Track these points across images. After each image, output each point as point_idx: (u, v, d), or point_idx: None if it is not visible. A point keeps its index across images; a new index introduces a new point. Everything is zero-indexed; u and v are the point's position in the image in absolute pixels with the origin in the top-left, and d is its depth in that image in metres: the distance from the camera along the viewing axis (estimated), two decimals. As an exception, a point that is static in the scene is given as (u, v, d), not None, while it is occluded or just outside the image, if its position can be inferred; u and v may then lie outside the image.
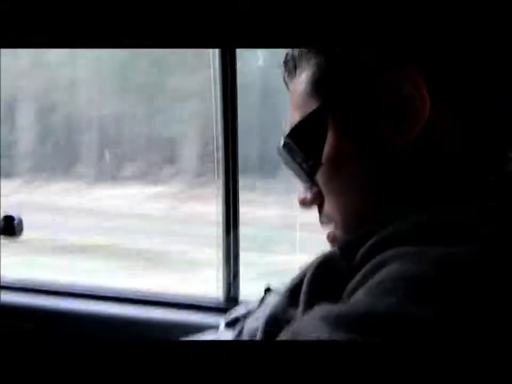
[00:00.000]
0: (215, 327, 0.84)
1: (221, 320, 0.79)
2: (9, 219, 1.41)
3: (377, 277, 0.39)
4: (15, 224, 1.40)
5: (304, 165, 0.53)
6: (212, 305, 1.36)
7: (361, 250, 0.45)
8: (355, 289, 0.41)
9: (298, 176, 0.55)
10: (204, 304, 1.36)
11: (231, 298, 1.37)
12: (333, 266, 0.49)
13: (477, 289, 0.35)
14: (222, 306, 1.35)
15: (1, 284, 1.51)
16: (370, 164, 0.48)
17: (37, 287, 1.50)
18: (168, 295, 1.41)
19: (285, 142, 0.54)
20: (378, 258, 0.41)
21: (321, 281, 0.49)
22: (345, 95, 0.49)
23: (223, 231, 1.33)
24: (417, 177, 0.47)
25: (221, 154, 1.28)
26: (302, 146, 0.53)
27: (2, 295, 1.48)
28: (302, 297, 0.50)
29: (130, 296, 1.42)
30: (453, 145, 0.47)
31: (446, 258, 0.37)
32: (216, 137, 1.30)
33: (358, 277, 0.42)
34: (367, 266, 0.41)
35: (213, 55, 1.25)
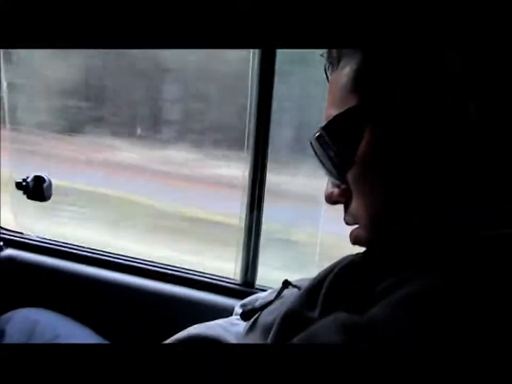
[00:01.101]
0: (229, 309, 0.85)
1: (236, 307, 0.80)
2: (38, 180, 1.39)
3: (399, 294, 0.38)
4: (44, 187, 1.39)
5: (335, 160, 0.52)
6: (229, 287, 1.37)
7: (386, 260, 0.45)
8: (376, 300, 0.40)
9: (328, 171, 0.54)
10: (220, 285, 1.36)
11: (248, 282, 1.37)
12: (355, 272, 0.48)
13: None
14: (238, 289, 1.36)
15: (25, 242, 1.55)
16: (406, 167, 0.47)
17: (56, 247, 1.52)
18: (185, 271, 1.41)
19: (319, 134, 0.53)
20: (402, 274, 0.40)
21: (341, 286, 0.49)
22: (388, 96, 0.47)
23: (246, 215, 1.33)
24: (456, 186, 0.46)
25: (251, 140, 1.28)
26: (336, 141, 0.52)
27: (27, 254, 1.51)
28: (320, 299, 0.50)
29: (148, 267, 1.44)
30: (496, 152, 0.45)
31: (477, 279, 0.36)
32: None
33: (380, 288, 0.42)
34: (391, 279, 0.41)
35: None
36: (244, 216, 1.34)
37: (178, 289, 1.36)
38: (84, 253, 1.49)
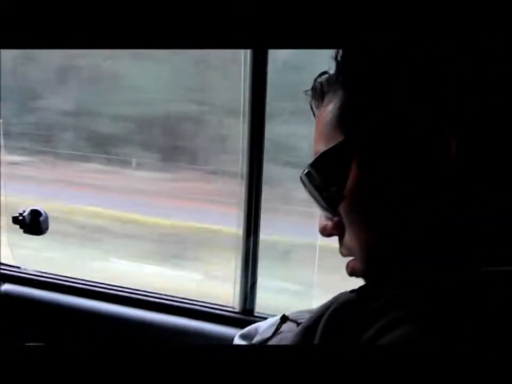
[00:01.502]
0: (228, 339, 0.84)
1: (236, 337, 0.79)
2: (35, 214, 1.39)
3: (390, 338, 0.39)
4: (41, 220, 1.39)
5: (326, 196, 0.53)
6: (227, 315, 1.36)
7: (379, 301, 0.45)
8: (368, 343, 0.42)
9: (320, 205, 0.55)
10: (219, 313, 1.35)
11: (247, 310, 1.36)
12: (349, 312, 0.49)
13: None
14: (237, 317, 1.35)
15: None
16: (392, 202, 0.48)
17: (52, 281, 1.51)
18: (183, 300, 1.41)
19: (308, 171, 0.54)
20: (393, 314, 0.41)
21: (337, 325, 0.49)
22: (372, 132, 0.48)
23: (242, 245, 1.33)
24: (442, 222, 0.47)
25: (245, 157, 1.28)
26: (325, 178, 0.53)
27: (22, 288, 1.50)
28: (317, 338, 0.50)
29: (144, 298, 1.43)
30: (479, 188, 0.46)
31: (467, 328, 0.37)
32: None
33: (372, 330, 0.42)
34: (383, 321, 0.42)
35: (244, 56, 1.23)
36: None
37: (176, 320, 1.34)
38: (83, 286, 1.48)
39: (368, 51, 0.48)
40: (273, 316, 0.74)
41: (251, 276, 1.34)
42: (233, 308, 1.37)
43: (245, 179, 1.28)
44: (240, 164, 1.30)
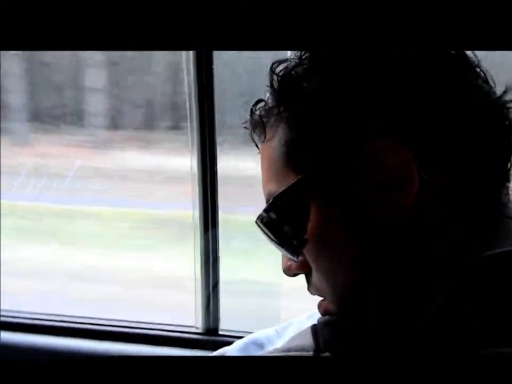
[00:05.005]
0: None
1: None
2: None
3: None
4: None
5: (287, 242, 0.49)
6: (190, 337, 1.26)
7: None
8: None
9: (282, 250, 0.51)
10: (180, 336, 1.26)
11: (211, 330, 1.27)
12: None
13: None
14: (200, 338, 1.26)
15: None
16: (359, 239, 0.45)
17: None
18: (141, 325, 1.30)
19: (264, 217, 0.50)
20: None
21: None
22: (326, 167, 0.45)
23: (201, 259, 1.24)
24: (408, 253, 0.45)
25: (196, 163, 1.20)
26: (282, 223, 0.49)
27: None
28: None
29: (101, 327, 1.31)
30: (445, 216, 0.44)
31: None
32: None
33: None
34: None
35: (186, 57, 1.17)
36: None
37: (137, 348, 1.24)
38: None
39: (310, 74, 0.45)
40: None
41: (212, 291, 1.25)
42: (196, 328, 1.28)
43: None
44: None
